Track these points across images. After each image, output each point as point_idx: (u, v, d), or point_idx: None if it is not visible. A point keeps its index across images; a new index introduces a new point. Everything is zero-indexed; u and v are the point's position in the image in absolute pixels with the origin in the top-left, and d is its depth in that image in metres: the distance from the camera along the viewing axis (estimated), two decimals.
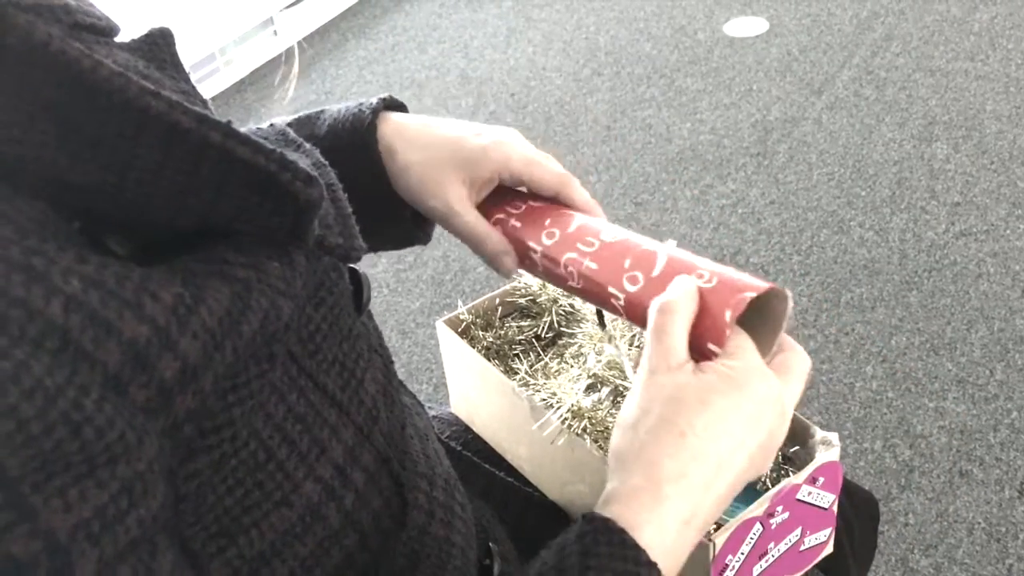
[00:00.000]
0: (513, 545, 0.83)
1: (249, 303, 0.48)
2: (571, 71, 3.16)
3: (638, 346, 0.89)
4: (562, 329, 0.96)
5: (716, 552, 0.74)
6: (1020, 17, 3.10)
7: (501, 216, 0.78)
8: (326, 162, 0.62)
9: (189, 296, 0.45)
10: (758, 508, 0.76)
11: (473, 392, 0.95)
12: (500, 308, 0.98)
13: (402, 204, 0.80)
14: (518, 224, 0.77)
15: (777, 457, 0.85)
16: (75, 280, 0.41)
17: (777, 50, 3.10)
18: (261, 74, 3.32)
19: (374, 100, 0.79)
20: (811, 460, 0.80)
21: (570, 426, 0.82)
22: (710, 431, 0.58)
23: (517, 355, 0.94)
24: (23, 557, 0.39)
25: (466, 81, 3.18)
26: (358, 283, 0.64)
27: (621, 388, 0.87)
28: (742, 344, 0.61)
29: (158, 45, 0.56)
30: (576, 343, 0.93)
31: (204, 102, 0.58)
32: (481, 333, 0.96)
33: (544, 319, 0.96)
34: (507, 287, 0.99)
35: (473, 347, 0.92)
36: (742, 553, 0.77)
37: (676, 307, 0.61)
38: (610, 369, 0.88)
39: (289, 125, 0.79)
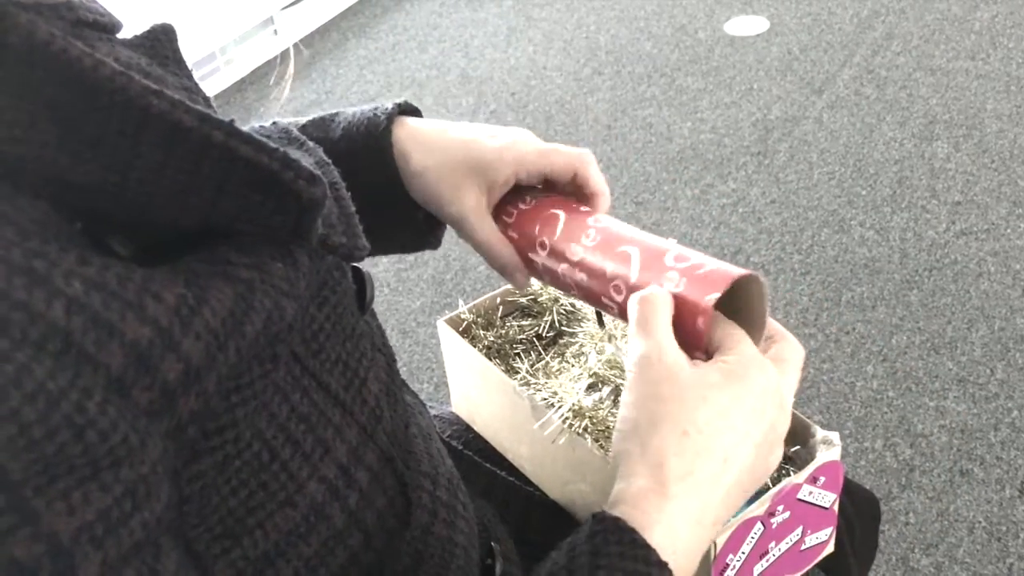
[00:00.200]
0: (514, 545, 0.83)
1: (252, 304, 0.48)
2: (572, 70, 3.15)
3: None
4: (563, 328, 0.96)
5: (717, 551, 0.74)
6: (1021, 16, 3.10)
7: (507, 221, 0.78)
8: (329, 160, 0.62)
9: (192, 297, 0.45)
10: (759, 507, 0.76)
11: (474, 391, 0.95)
12: (501, 307, 0.98)
13: (414, 208, 0.80)
14: (515, 235, 0.77)
15: None
16: (77, 282, 0.41)
17: (778, 49, 3.10)
18: (261, 73, 3.32)
19: (389, 105, 0.79)
20: (812, 459, 0.80)
21: (571, 425, 0.82)
22: (713, 426, 0.57)
23: (518, 354, 0.94)
24: (26, 560, 0.39)
25: (467, 80, 3.18)
26: (361, 282, 0.64)
27: (622, 387, 0.87)
28: (736, 336, 0.61)
29: (160, 41, 0.56)
30: (577, 342, 0.93)
31: (206, 99, 0.58)
32: (482, 332, 0.96)
33: (545, 318, 0.96)
34: (508, 286, 0.99)
35: (474, 346, 0.92)
36: (743, 552, 0.77)
37: (654, 298, 0.61)
38: (611, 368, 0.88)
39: (303, 127, 0.79)
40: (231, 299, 0.47)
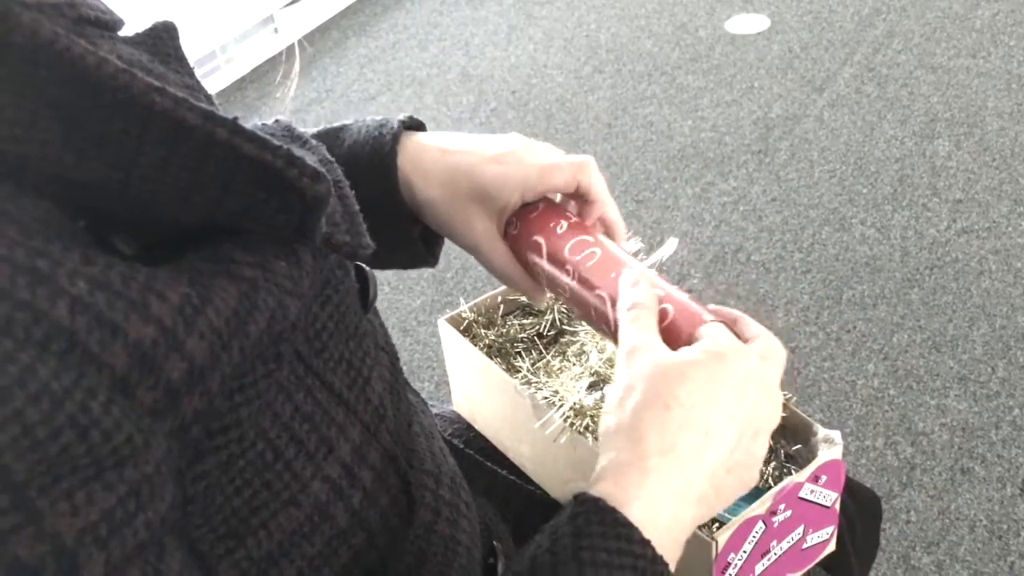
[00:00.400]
0: (515, 543, 0.83)
1: (256, 303, 0.48)
2: (572, 68, 3.15)
3: None
4: (564, 327, 0.96)
5: (718, 550, 0.74)
6: (1022, 14, 3.10)
7: (512, 233, 0.79)
8: (332, 159, 0.62)
9: (196, 296, 0.45)
10: (760, 506, 0.76)
11: (475, 390, 0.95)
12: (502, 306, 0.98)
13: (413, 230, 0.80)
14: (521, 242, 0.78)
15: (779, 455, 0.85)
16: (81, 281, 0.41)
17: (778, 47, 3.10)
18: (262, 72, 3.32)
19: (395, 123, 0.78)
20: (813, 458, 0.80)
21: (572, 424, 0.82)
22: (693, 399, 0.58)
23: (519, 353, 0.94)
24: (29, 560, 0.39)
25: (467, 79, 3.18)
26: (364, 280, 0.63)
27: None
28: (715, 326, 0.62)
29: (162, 39, 0.56)
30: (578, 341, 0.93)
31: (208, 96, 0.58)
32: (483, 331, 0.96)
33: (546, 317, 0.97)
34: None
35: (475, 345, 0.92)
36: (744, 551, 0.77)
37: (644, 303, 0.64)
38: (612, 367, 0.88)
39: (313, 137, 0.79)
40: (235, 298, 0.47)
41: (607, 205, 0.78)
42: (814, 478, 0.79)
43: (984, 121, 2.64)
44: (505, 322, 0.97)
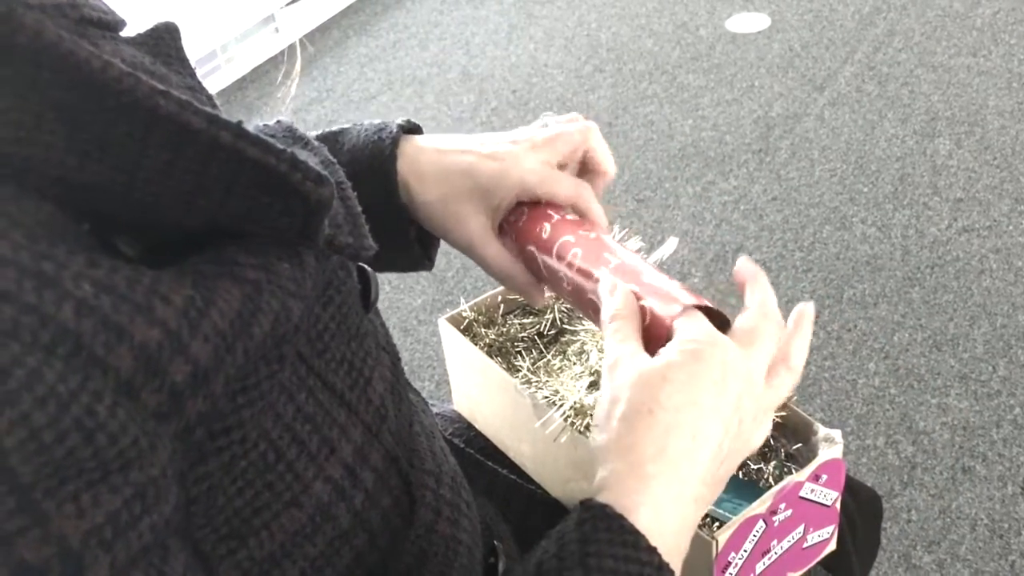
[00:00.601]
0: (516, 543, 0.83)
1: (260, 305, 0.48)
2: (573, 68, 3.15)
3: None
4: (564, 326, 0.96)
5: (719, 549, 0.74)
6: (1022, 12, 3.10)
7: (508, 227, 0.79)
8: (334, 160, 0.62)
9: (200, 298, 0.45)
10: (761, 506, 0.76)
11: (475, 390, 0.95)
12: (502, 305, 0.98)
13: (410, 233, 0.80)
14: (518, 236, 0.78)
15: (780, 454, 0.85)
16: (86, 284, 0.41)
17: (779, 46, 3.10)
18: (262, 71, 3.32)
19: (394, 127, 0.79)
20: (814, 457, 0.80)
21: (573, 424, 0.82)
22: (675, 401, 0.58)
23: (519, 352, 0.94)
24: (35, 562, 0.39)
25: (467, 78, 3.18)
26: (366, 281, 0.64)
27: None
28: (695, 320, 0.62)
29: (164, 40, 0.56)
30: (578, 340, 0.93)
31: (209, 97, 0.58)
32: (483, 331, 0.96)
33: (546, 316, 0.97)
34: None
35: (475, 344, 0.92)
36: (745, 551, 0.77)
37: (622, 312, 0.64)
38: None
39: None
40: (239, 300, 0.47)
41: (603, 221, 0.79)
42: (814, 477, 0.79)
43: (985, 120, 2.64)
44: (505, 321, 0.98)
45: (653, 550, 0.55)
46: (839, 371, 1.99)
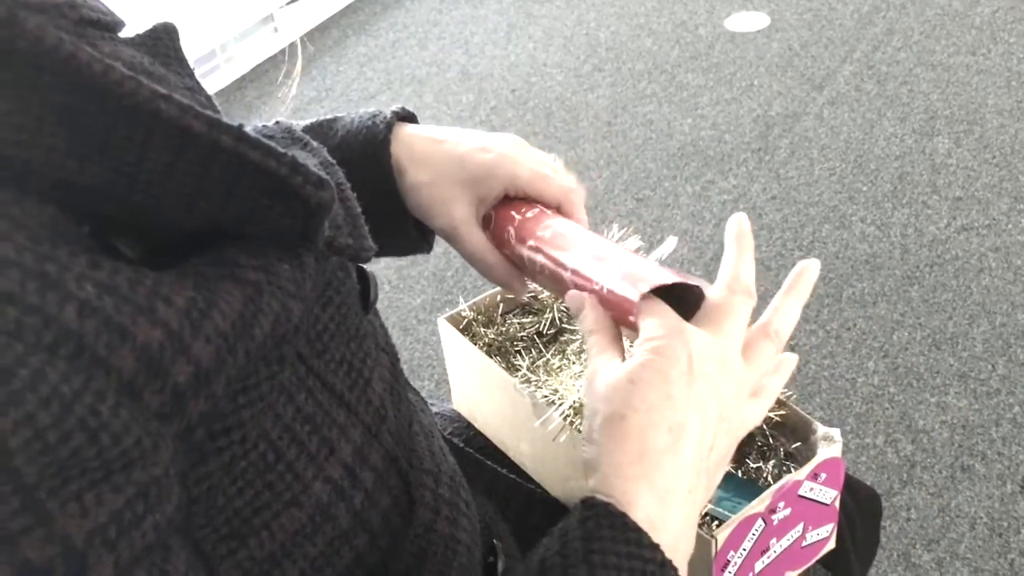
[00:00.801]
0: (516, 542, 0.83)
1: (260, 306, 0.48)
2: (572, 67, 3.15)
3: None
4: (564, 325, 0.96)
5: (718, 548, 0.75)
6: (1021, 11, 3.10)
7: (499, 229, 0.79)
8: (334, 161, 0.62)
9: (201, 300, 0.45)
10: (760, 504, 0.76)
11: (475, 389, 0.96)
12: (501, 305, 0.99)
13: (407, 216, 0.81)
14: (500, 229, 0.79)
15: (779, 453, 0.86)
16: (89, 286, 0.41)
17: (778, 45, 3.10)
18: (262, 71, 3.32)
19: (388, 113, 0.80)
20: (813, 456, 0.80)
21: (572, 423, 0.83)
22: (646, 401, 0.58)
23: (519, 352, 0.94)
24: (39, 562, 0.39)
25: (467, 77, 3.18)
26: (365, 282, 0.64)
27: None
28: (655, 311, 0.62)
29: (162, 40, 0.56)
30: (578, 339, 0.93)
31: (208, 98, 0.58)
32: (483, 330, 0.96)
33: (546, 316, 0.97)
34: None
35: (475, 344, 0.92)
36: (744, 549, 0.77)
37: (593, 327, 0.65)
38: None
39: (303, 131, 0.80)
40: (240, 301, 0.47)
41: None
42: (813, 476, 0.79)
43: (984, 118, 2.64)
44: (505, 321, 0.98)
45: (656, 547, 0.55)
46: (838, 370, 1.99)
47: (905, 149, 2.57)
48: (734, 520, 0.75)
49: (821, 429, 0.84)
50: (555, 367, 0.91)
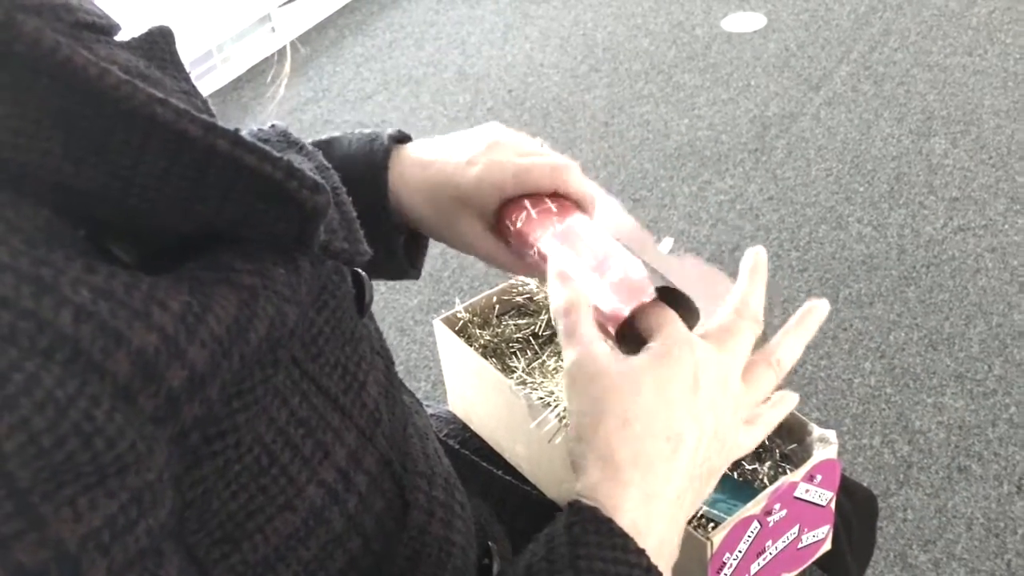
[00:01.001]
0: (511, 544, 0.83)
1: (256, 310, 0.48)
2: (568, 67, 3.15)
3: None
4: None
5: (713, 550, 0.75)
6: (1018, 12, 3.10)
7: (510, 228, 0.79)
8: (329, 165, 0.62)
9: (197, 304, 0.45)
10: (755, 506, 0.76)
11: (471, 390, 0.96)
12: (497, 306, 0.99)
13: (398, 243, 0.81)
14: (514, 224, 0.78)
15: (775, 455, 0.86)
16: (84, 290, 0.41)
17: (775, 45, 3.10)
18: (258, 71, 3.32)
19: (385, 139, 0.79)
20: (808, 458, 0.80)
21: (568, 425, 0.82)
22: (648, 410, 0.58)
23: (514, 353, 0.94)
24: (32, 566, 0.39)
25: (463, 78, 3.18)
26: (360, 285, 0.64)
27: None
28: (663, 318, 0.61)
29: (158, 44, 0.56)
30: None
31: (204, 101, 0.58)
32: (478, 331, 0.96)
33: (541, 317, 0.97)
34: (504, 285, 0.99)
35: (470, 345, 0.92)
36: (739, 551, 0.77)
37: (575, 307, 0.62)
38: None
39: None
40: (235, 306, 0.47)
41: (590, 202, 0.78)
42: (809, 477, 0.79)
43: (980, 119, 2.64)
44: (500, 322, 0.98)
45: (641, 552, 0.55)
46: (835, 370, 1.99)
47: (902, 150, 2.57)
48: (729, 522, 0.75)
49: (817, 431, 0.84)
50: (551, 369, 0.91)
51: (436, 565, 0.64)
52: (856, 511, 0.98)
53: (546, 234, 0.73)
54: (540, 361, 0.92)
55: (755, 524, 0.77)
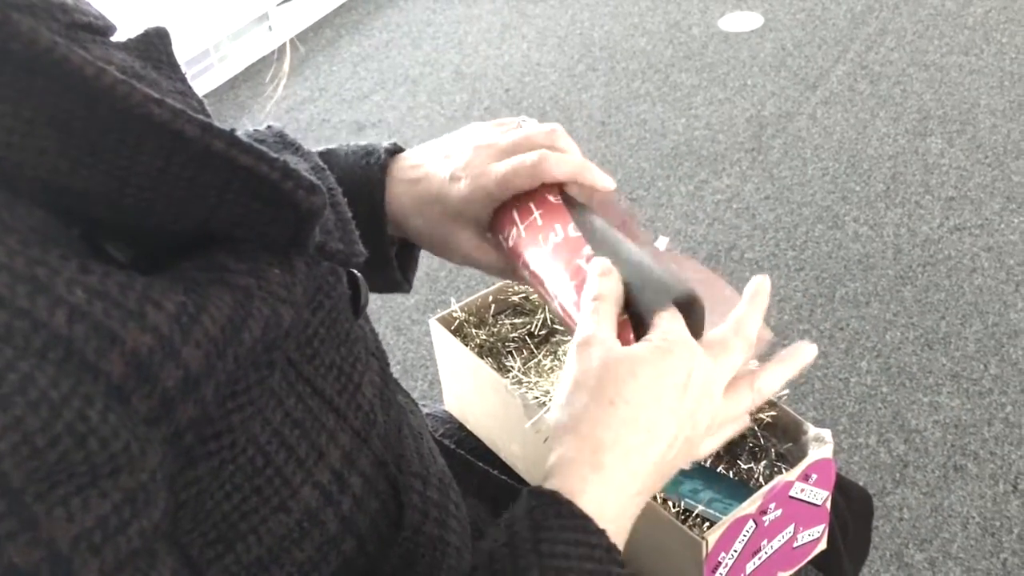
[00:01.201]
0: None
1: (251, 311, 0.48)
2: (565, 67, 3.15)
3: None
4: (555, 326, 0.96)
5: (709, 550, 0.75)
6: (1014, 11, 3.10)
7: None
8: (324, 166, 0.62)
9: (191, 305, 0.45)
10: (751, 505, 0.76)
11: (466, 390, 0.96)
12: (493, 306, 0.99)
13: (390, 256, 0.81)
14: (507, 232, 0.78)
15: (770, 454, 0.86)
16: (79, 290, 0.41)
17: (772, 45, 3.10)
18: (255, 70, 3.32)
19: (382, 154, 0.79)
20: (804, 457, 0.80)
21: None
22: (638, 397, 0.59)
23: (510, 353, 0.94)
24: (24, 566, 0.39)
25: (460, 77, 3.18)
26: (355, 286, 0.64)
27: None
28: (668, 316, 0.62)
29: (154, 44, 0.56)
30: (569, 340, 0.93)
31: (200, 101, 0.58)
32: (474, 331, 0.96)
33: (537, 316, 0.97)
34: (500, 284, 0.99)
35: (466, 345, 0.92)
36: (735, 551, 0.77)
37: (608, 295, 0.63)
38: None
39: None
40: (230, 306, 0.47)
41: (584, 172, 0.79)
42: (804, 477, 0.79)
43: (976, 118, 2.64)
44: (496, 322, 0.98)
45: (602, 532, 0.56)
46: (831, 370, 1.99)
47: (898, 149, 2.57)
48: (725, 521, 0.75)
49: (812, 430, 0.84)
50: (547, 368, 0.91)
51: (431, 565, 0.64)
52: (852, 510, 0.98)
53: (538, 252, 0.73)
54: (536, 361, 0.92)
55: (750, 523, 0.77)
